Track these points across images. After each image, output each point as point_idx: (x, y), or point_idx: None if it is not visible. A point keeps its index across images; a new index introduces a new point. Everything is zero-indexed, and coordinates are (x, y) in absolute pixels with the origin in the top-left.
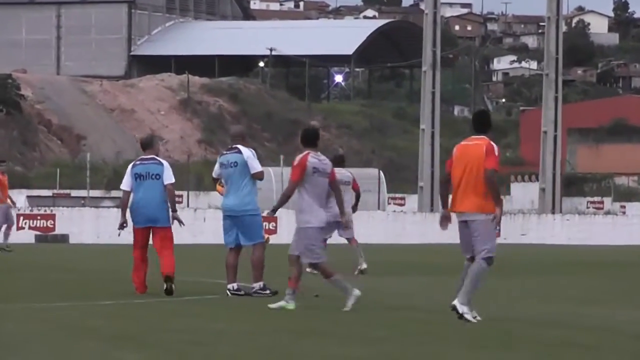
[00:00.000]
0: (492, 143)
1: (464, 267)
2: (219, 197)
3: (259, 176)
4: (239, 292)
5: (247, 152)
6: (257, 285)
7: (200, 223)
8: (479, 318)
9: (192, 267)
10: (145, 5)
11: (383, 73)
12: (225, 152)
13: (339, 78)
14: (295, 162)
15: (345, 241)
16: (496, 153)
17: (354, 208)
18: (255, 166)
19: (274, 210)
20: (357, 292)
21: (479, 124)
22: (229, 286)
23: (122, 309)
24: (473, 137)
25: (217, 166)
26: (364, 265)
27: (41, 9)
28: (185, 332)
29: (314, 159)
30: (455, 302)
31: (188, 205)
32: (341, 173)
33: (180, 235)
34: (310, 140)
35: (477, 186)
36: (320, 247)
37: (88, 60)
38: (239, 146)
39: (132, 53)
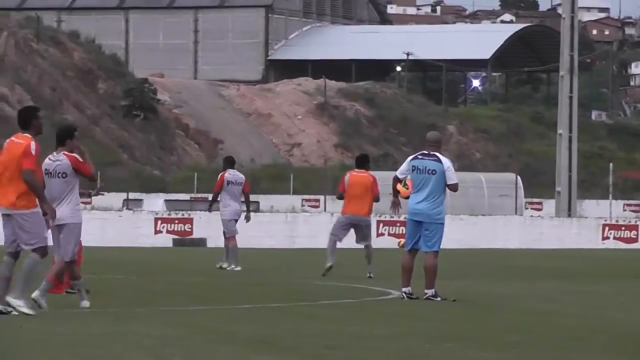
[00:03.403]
0: (31, 143)
1: (4, 262)
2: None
3: (455, 188)
4: (413, 296)
5: (447, 163)
6: (430, 291)
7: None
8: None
9: (328, 271)
10: (282, 10)
11: (520, 77)
12: (420, 157)
13: (476, 82)
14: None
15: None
16: (33, 152)
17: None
18: (453, 177)
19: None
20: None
21: (58, 139)
22: (404, 289)
23: (259, 312)
24: (20, 134)
25: (405, 167)
26: (224, 265)
27: (179, 14)
28: (321, 335)
29: (48, 160)
30: (9, 298)
31: (325, 210)
32: (237, 174)
33: (316, 239)
34: (57, 140)
35: (16, 183)
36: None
37: (225, 65)
38: (438, 154)
39: (269, 57)
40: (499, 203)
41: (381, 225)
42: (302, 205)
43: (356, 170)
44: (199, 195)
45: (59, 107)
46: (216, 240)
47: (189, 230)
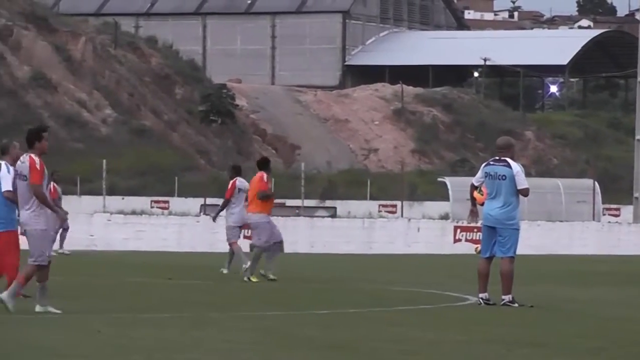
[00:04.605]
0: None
1: None
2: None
3: (525, 193)
4: (490, 302)
5: (517, 168)
6: (507, 297)
7: (414, 233)
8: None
9: (405, 277)
10: (359, 16)
11: (598, 83)
12: (492, 163)
13: (553, 88)
14: None
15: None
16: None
17: None
18: (523, 182)
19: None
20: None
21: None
22: (481, 295)
23: (337, 318)
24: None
25: (479, 174)
26: (225, 271)
27: (256, 19)
28: (399, 341)
29: (19, 162)
30: None
31: (402, 215)
32: (246, 182)
33: (392, 244)
34: (27, 143)
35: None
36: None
37: (302, 70)
38: (509, 160)
39: (346, 63)
40: (576, 209)
41: (458, 231)
42: (379, 211)
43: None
44: (276, 200)
45: (137, 113)
46: (293, 245)
47: None
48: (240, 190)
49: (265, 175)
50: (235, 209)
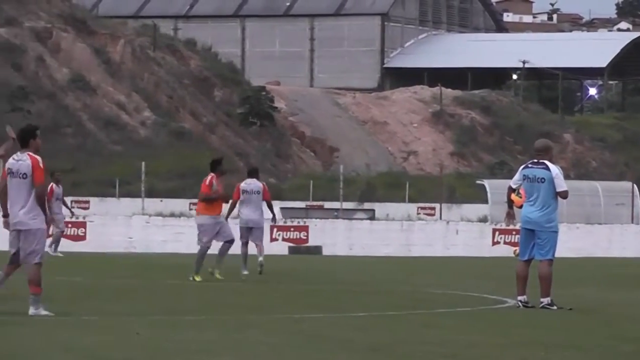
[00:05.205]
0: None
1: None
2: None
3: (564, 195)
4: (529, 305)
5: (555, 170)
6: (545, 300)
7: (452, 235)
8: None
9: (443, 280)
10: (398, 18)
11: (637, 85)
12: (530, 165)
13: (592, 91)
14: None
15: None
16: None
17: (273, 217)
18: (562, 184)
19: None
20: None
21: (20, 139)
22: (520, 298)
23: (375, 320)
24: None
25: (517, 177)
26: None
27: (295, 21)
28: (437, 344)
29: (12, 159)
30: None
31: (440, 218)
32: (253, 183)
33: (431, 247)
34: (20, 141)
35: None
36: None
37: (341, 72)
38: (547, 162)
39: (385, 65)
40: (615, 212)
41: (497, 233)
42: (418, 213)
43: None
44: (315, 203)
45: (176, 115)
46: (332, 248)
47: (305, 238)
48: (244, 191)
49: (210, 178)
50: (242, 210)
